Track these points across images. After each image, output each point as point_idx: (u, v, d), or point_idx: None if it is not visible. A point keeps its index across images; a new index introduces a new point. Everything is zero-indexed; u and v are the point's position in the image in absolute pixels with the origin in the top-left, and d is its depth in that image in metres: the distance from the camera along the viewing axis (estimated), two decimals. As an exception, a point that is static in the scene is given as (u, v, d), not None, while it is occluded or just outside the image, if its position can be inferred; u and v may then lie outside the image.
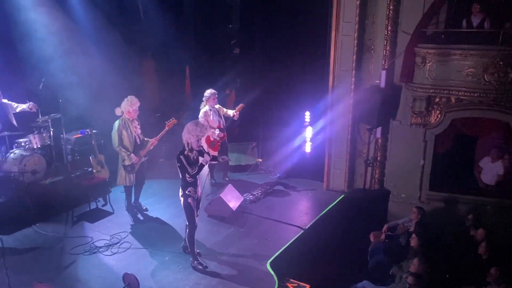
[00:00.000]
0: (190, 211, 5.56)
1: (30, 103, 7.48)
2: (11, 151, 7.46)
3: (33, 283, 4.83)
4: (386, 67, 7.37)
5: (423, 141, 7.50)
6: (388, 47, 7.33)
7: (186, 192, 5.50)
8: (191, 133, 5.37)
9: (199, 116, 7.68)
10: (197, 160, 5.50)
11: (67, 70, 8.39)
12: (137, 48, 9.87)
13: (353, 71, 7.57)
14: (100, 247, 6.21)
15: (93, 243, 6.32)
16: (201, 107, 7.77)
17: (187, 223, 5.66)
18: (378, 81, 7.46)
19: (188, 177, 5.44)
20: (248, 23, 10.43)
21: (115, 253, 6.10)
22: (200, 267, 5.67)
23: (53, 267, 5.77)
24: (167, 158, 9.28)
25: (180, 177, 5.52)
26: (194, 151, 5.48)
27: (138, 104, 6.72)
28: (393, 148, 7.78)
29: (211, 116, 7.71)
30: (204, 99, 7.70)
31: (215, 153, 7.75)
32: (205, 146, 7.47)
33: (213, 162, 5.80)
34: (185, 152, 5.45)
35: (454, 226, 6.83)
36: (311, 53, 8.57)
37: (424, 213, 6.56)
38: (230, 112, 7.86)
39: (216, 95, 7.73)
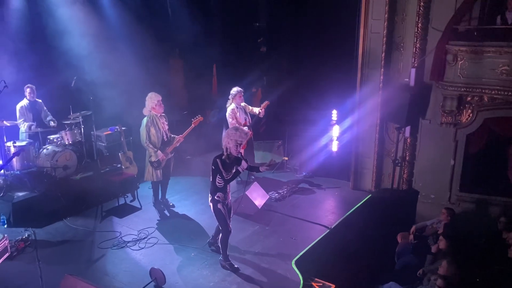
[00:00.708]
0: (221, 217, 5.49)
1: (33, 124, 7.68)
2: (44, 147, 7.69)
3: (64, 275, 4.97)
4: (416, 65, 7.22)
5: (454, 140, 7.32)
6: (418, 45, 7.18)
7: (215, 197, 5.44)
8: (230, 138, 5.29)
9: (226, 114, 7.72)
10: (233, 166, 5.40)
11: (98, 68, 8.59)
12: (165, 47, 10.01)
13: (382, 69, 7.45)
14: (128, 242, 6.33)
15: (121, 237, 6.45)
16: (227, 105, 7.81)
17: (221, 228, 5.60)
18: (407, 79, 7.31)
19: (219, 182, 5.38)
20: (275, 21, 10.41)
21: (143, 248, 6.21)
22: (230, 268, 5.64)
23: (83, 260, 5.92)
24: (193, 155, 9.39)
25: (211, 180, 5.46)
26: (232, 156, 5.39)
27: (159, 98, 6.79)
28: (423, 148, 7.62)
29: (238, 113, 7.74)
30: (230, 97, 7.74)
31: (242, 151, 7.76)
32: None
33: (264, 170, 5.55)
34: (223, 157, 5.36)
35: (485, 229, 6.64)
36: (339, 51, 8.48)
37: (454, 215, 6.41)
38: (256, 110, 7.87)
39: (242, 93, 7.75)
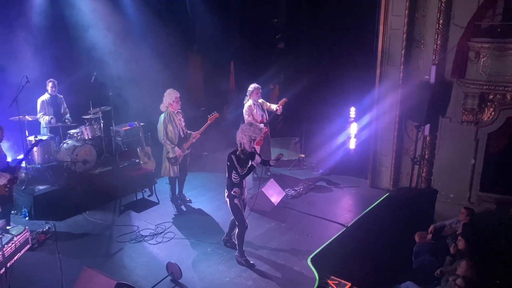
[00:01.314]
0: (238, 212, 5.54)
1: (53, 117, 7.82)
2: (64, 141, 7.81)
3: (83, 267, 5.05)
4: (436, 62, 7.10)
5: (475, 139, 7.19)
6: (439, 41, 7.06)
7: (232, 192, 5.48)
8: (244, 133, 5.34)
9: (243, 111, 7.73)
10: (247, 161, 5.45)
11: (117, 64, 8.68)
12: (183, 43, 10.05)
13: (401, 66, 7.35)
14: (145, 236, 6.41)
15: (139, 231, 6.54)
16: (244, 101, 7.81)
17: (237, 223, 5.65)
18: (427, 77, 7.20)
19: (235, 178, 5.42)
20: (294, 18, 10.35)
21: (160, 242, 6.28)
22: (246, 264, 5.66)
23: (101, 253, 6.02)
24: (210, 151, 9.43)
25: (227, 176, 5.52)
26: (246, 151, 5.44)
27: (177, 94, 6.84)
28: (442, 146, 7.50)
29: (255, 110, 7.73)
30: (247, 93, 7.74)
31: (258, 147, 7.77)
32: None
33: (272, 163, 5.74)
34: (237, 152, 5.42)
35: (506, 229, 6.51)
36: (358, 47, 8.39)
37: (474, 215, 6.29)
38: (273, 107, 7.85)
39: (260, 90, 7.74)
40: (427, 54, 7.21)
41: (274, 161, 5.66)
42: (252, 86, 7.69)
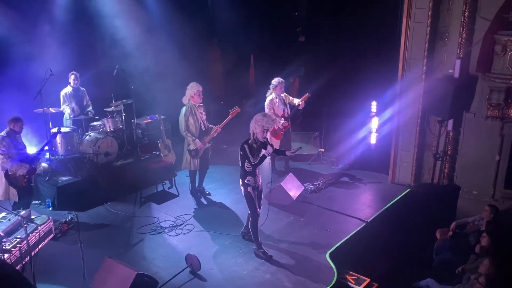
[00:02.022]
0: (250, 200, 5.59)
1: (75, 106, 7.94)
2: (86, 133, 7.94)
3: (105, 257, 5.15)
4: (461, 55, 6.93)
5: (500, 135, 7.00)
6: (464, 35, 6.88)
7: (246, 181, 5.53)
8: (257, 123, 5.37)
9: (265, 104, 7.71)
10: (260, 150, 5.49)
11: (139, 57, 8.78)
12: (204, 36, 10.08)
13: (425, 60, 7.20)
14: (165, 228, 6.48)
15: (159, 223, 6.62)
16: (267, 94, 7.78)
17: (249, 212, 5.69)
18: (451, 71, 7.04)
19: (248, 167, 5.46)
20: (315, 10, 10.25)
21: (179, 234, 6.34)
22: (264, 256, 5.69)
23: (122, 244, 6.12)
24: (229, 145, 9.44)
25: (240, 165, 5.56)
26: (259, 141, 5.48)
27: (199, 88, 6.87)
28: (466, 142, 7.34)
29: (277, 104, 7.69)
30: (271, 87, 7.70)
31: (278, 141, 7.75)
32: (268, 134, 7.51)
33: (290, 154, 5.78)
34: (249, 142, 5.46)
35: (532, 228, 6.34)
36: (380, 41, 8.26)
37: (497, 212, 6.14)
38: (296, 101, 7.80)
39: (284, 84, 7.70)
40: (452, 48, 7.04)
41: (291, 153, 5.68)
42: (276, 80, 7.64)
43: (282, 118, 7.70)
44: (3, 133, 6.01)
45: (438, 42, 7.17)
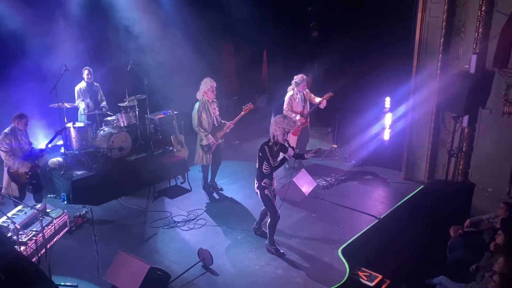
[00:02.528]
0: (269, 202, 5.55)
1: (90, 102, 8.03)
2: (101, 128, 8.02)
3: (118, 251, 5.21)
4: (477, 51, 6.82)
5: (516, 132, 6.89)
6: (480, 30, 6.76)
7: (262, 183, 5.49)
8: (278, 125, 5.32)
9: (285, 99, 7.65)
10: (279, 153, 5.46)
11: (152, 53, 8.82)
12: (217, 32, 10.06)
13: (440, 55, 7.10)
14: (178, 222, 6.53)
15: (171, 217, 6.67)
16: (288, 89, 7.72)
17: (269, 214, 5.66)
18: (467, 66, 6.93)
19: (265, 169, 5.43)
20: (328, 5, 10.15)
21: (192, 228, 6.39)
22: (276, 253, 5.69)
23: (136, 238, 6.19)
24: (242, 140, 9.47)
25: (257, 167, 5.52)
26: (279, 143, 5.45)
27: (213, 84, 6.88)
28: (481, 139, 7.23)
29: (297, 100, 7.62)
30: (293, 83, 7.59)
31: (295, 138, 7.71)
32: (288, 136, 7.48)
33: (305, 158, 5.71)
34: (270, 143, 5.43)
35: (548, 226, 6.24)
36: (394, 35, 8.16)
37: (513, 210, 6.06)
38: (317, 100, 7.71)
39: (306, 81, 7.61)
40: (468, 43, 6.94)
41: (311, 155, 5.58)
42: (300, 78, 7.54)
43: (299, 115, 7.63)
44: (6, 130, 6.03)
45: (453, 37, 7.06)
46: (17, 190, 6.16)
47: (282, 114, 5.52)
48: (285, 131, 5.32)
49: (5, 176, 6.14)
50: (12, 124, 6.09)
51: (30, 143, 6.38)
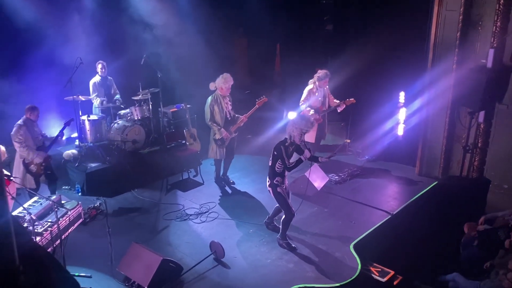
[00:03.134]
0: (282, 200, 5.55)
1: (104, 99, 8.10)
2: (115, 121, 8.09)
3: (131, 243, 5.27)
4: (495, 45, 6.69)
5: (534, 128, 6.77)
6: (498, 23, 6.62)
7: (274, 181, 5.49)
8: (295, 126, 5.32)
9: (303, 92, 7.54)
10: (293, 153, 5.46)
11: (165, 47, 8.84)
12: (230, 25, 10.04)
13: (456, 49, 6.98)
14: (190, 215, 6.58)
15: (184, 210, 6.72)
16: (309, 82, 7.60)
17: (283, 211, 5.65)
18: (484, 61, 6.80)
19: (278, 168, 5.42)
20: (342, -2, 10.06)
21: (204, 221, 6.43)
22: (287, 247, 5.69)
23: (148, 230, 6.25)
24: (254, 134, 9.46)
25: (269, 165, 5.52)
26: (294, 144, 5.43)
27: (232, 82, 6.87)
28: (497, 134, 7.11)
29: (316, 94, 7.50)
30: (316, 78, 7.46)
31: (310, 134, 7.63)
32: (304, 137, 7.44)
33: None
34: (286, 144, 5.42)
35: None
36: (410, 29, 8.03)
37: (530, 207, 5.97)
38: (337, 102, 7.61)
39: (329, 77, 7.49)
40: (485, 37, 6.80)
41: (325, 160, 5.58)
42: (324, 73, 7.41)
43: (313, 110, 7.56)
44: (20, 122, 6.13)
45: (470, 31, 6.94)
46: (33, 181, 6.26)
47: (301, 115, 5.48)
48: (303, 132, 5.32)
49: (20, 168, 6.24)
50: (25, 116, 6.19)
51: (43, 134, 6.48)
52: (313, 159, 5.66)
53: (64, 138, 6.63)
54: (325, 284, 5.05)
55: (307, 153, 5.42)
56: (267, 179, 5.59)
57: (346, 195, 7.16)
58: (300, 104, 7.56)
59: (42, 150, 6.25)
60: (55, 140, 6.44)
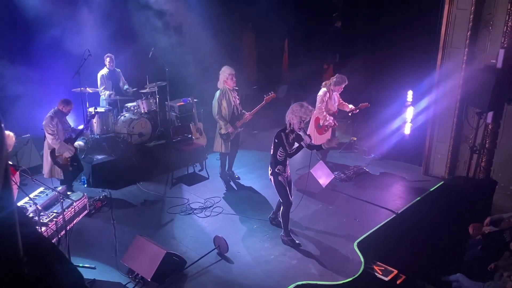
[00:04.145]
0: (282, 189, 5.55)
1: (112, 92, 8.14)
2: (121, 114, 8.12)
3: (136, 235, 5.29)
4: (505, 45, 6.62)
5: (543, 130, 6.70)
6: (509, 23, 6.55)
7: (276, 170, 5.50)
8: (294, 114, 5.30)
9: (318, 95, 7.33)
10: (294, 141, 5.46)
11: (173, 41, 8.83)
12: (238, 20, 10.01)
13: (466, 49, 6.92)
14: (195, 209, 6.59)
15: (189, 204, 6.73)
16: (322, 85, 7.41)
17: (281, 201, 5.66)
18: (494, 61, 6.74)
19: (280, 156, 5.42)
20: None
21: (208, 216, 6.44)
22: (291, 244, 5.68)
23: (153, 223, 6.27)
24: (260, 130, 9.45)
25: (271, 153, 5.53)
26: (294, 132, 5.42)
27: (231, 71, 6.82)
28: (506, 135, 7.05)
29: (332, 98, 7.36)
30: (332, 82, 7.25)
31: (321, 137, 7.57)
32: (312, 127, 7.40)
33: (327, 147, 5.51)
34: (286, 131, 5.42)
35: None
36: (419, 28, 7.97)
37: (536, 210, 5.92)
38: (350, 107, 7.50)
39: (346, 83, 7.27)
40: (496, 37, 6.74)
41: (326, 146, 5.50)
42: (341, 78, 7.20)
43: (332, 117, 7.39)
44: (51, 113, 6.19)
45: (481, 31, 6.87)
46: (61, 173, 6.32)
47: (299, 102, 5.44)
48: (302, 119, 5.30)
49: (48, 160, 6.30)
50: (57, 107, 6.24)
51: (71, 127, 6.55)
52: (313, 146, 5.58)
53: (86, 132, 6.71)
54: (328, 282, 5.05)
55: (307, 139, 5.42)
56: (269, 167, 5.61)
57: (351, 193, 7.14)
58: (317, 108, 7.23)
59: (70, 142, 6.30)
60: (81, 132, 6.54)
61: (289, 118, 5.37)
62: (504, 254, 5.44)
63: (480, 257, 5.75)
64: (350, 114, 7.61)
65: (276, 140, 5.44)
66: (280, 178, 5.52)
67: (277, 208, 6.06)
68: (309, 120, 5.56)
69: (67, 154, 6.22)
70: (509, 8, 6.48)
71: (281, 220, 5.78)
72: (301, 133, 5.44)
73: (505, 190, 7.16)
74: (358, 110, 7.55)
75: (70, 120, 7.62)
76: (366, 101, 7.64)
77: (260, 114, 7.45)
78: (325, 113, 7.29)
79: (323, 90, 7.35)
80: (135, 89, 8.38)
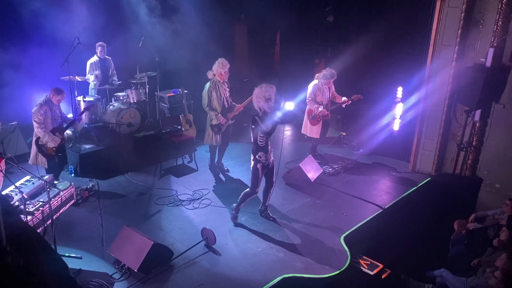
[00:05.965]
0: (255, 176, 5.69)
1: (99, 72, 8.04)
2: (110, 103, 8.04)
3: (123, 226, 5.27)
4: (495, 44, 6.69)
5: (529, 129, 6.79)
6: (500, 22, 6.61)
7: (257, 157, 5.57)
8: (258, 97, 5.38)
9: (308, 87, 7.49)
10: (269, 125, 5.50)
11: (164, 31, 8.74)
12: (230, 12, 9.94)
13: (456, 47, 6.98)
14: (183, 201, 6.58)
15: (177, 196, 6.72)
16: (315, 77, 7.55)
17: (250, 185, 5.80)
18: (483, 59, 6.81)
19: (260, 141, 5.48)
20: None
21: (196, 208, 6.43)
22: (233, 220, 5.96)
23: (140, 214, 6.25)
24: (250, 123, 9.42)
25: (252, 140, 5.60)
26: (267, 114, 5.44)
27: (228, 66, 6.83)
28: (492, 134, 7.15)
29: (322, 91, 7.46)
30: (322, 75, 7.38)
31: (314, 128, 7.63)
32: (305, 119, 7.54)
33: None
34: (260, 115, 5.48)
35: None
36: (411, 24, 8.00)
37: (519, 207, 6.01)
38: (342, 99, 7.56)
39: (335, 78, 7.41)
40: (486, 35, 6.79)
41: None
42: (331, 73, 7.31)
43: (322, 106, 7.50)
44: (41, 101, 6.08)
45: (471, 29, 6.92)
46: (45, 162, 6.23)
47: (259, 86, 5.46)
48: (267, 98, 5.36)
49: (33, 147, 6.21)
50: (48, 95, 6.13)
51: (63, 116, 6.44)
52: (287, 117, 5.63)
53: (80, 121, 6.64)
54: (314, 275, 5.09)
55: (277, 114, 5.45)
56: (251, 155, 5.67)
57: (339, 188, 7.18)
58: (307, 101, 7.52)
59: (58, 132, 6.19)
60: (72, 123, 6.44)
61: (256, 103, 5.44)
62: (488, 250, 5.52)
63: (464, 253, 5.84)
64: (344, 105, 7.64)
65: (253, 126, 5.51)
66: (258, 165, 5.60)
67: (264, 199, 6.09)
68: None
69: (51, 144, 6.12)
70: (499, 7, 6.54)
71: (272, 216, 5.89)
72: (274, 113, 5.47)
73: (490, 188, 7.27)
74: (350, 102, 7.59)
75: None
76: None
77: (250, 107, 7.43)
78: (316, 105, 7.34)
79: (314, 82, 7.45)
80: (120, 81, 8.30)
